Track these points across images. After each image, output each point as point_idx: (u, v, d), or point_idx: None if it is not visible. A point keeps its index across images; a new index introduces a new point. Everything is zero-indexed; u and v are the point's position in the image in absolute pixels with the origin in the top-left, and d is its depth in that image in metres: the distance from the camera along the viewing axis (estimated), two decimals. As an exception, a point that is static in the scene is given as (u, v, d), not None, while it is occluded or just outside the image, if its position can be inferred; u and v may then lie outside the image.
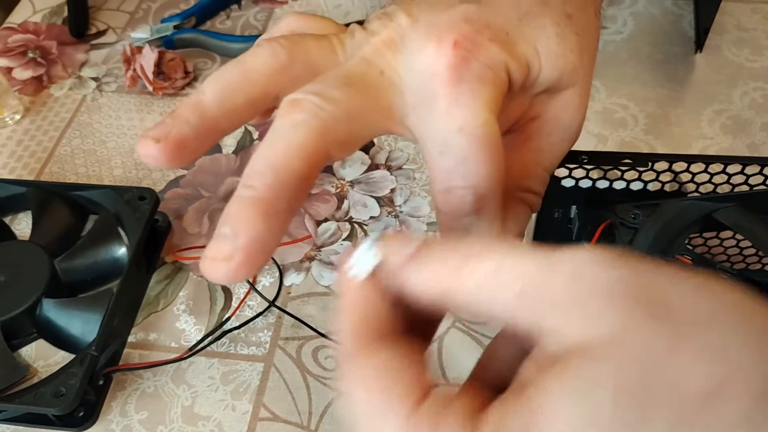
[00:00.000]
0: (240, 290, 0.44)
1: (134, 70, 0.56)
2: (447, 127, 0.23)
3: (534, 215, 0.40)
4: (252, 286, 0.44)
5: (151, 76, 0.55)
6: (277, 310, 0.43)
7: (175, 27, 0.60)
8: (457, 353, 0.40)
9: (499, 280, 0.18)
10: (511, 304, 0.18)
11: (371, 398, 0.18)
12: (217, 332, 0.42)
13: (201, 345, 0.41)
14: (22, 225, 0.49)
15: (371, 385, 0.18)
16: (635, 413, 0.15)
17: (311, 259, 0.45)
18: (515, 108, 0.27)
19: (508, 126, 0.28)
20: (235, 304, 0.43)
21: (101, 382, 0.40)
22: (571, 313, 0.17)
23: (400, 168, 0.50)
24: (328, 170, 0.50)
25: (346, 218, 0.48)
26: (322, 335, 0.42)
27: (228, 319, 0.43)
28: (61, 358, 0.41)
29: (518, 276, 0.18)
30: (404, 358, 0.19)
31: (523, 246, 0.18)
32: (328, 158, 0.23)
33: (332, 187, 0.49)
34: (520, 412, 0.16)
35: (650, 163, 0.36)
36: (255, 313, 0.43)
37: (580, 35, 0.26)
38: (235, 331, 0.42)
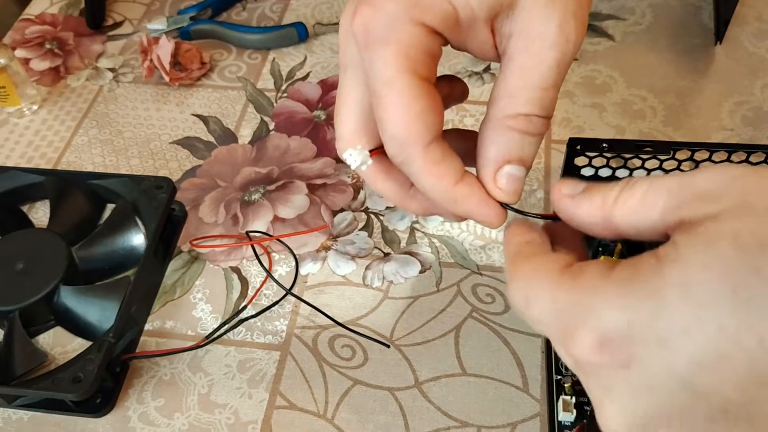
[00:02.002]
0: (256, 279, 0.44)
1: (151, 60, 0.56)
2: (370, 90, 0.26)
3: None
4: (269, 274, 0.44)
5: (167, 67, 0.55)
6: (293, 299, 0.43)
7: (191, 18, 0.60)
8: (475, 343, 0.40)
9: (645, 203, 0.22)
10: (656, 219, 0.22)
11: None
12: (234, 320, 0.42)
13: (217, 333, 0.41)
14: (39, 214, 0.49)
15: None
16: (751, 258, 0.18)
17: (327, 248, 0.45)
18: (481, 37, 0.27)
19: (493, 54, 0.27)
20: (251, 292, 0.43)
21: (118, 369, 0.40)
22: (700, 200, 0.20)
23: (416, 159, 0.50)
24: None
25: (362, 208, 0.48)
26: (339, 324, 0.41)
27: (244, 307, 0.43)
28: (78, 345, 0.42)
29: (662, 192, 0.22)
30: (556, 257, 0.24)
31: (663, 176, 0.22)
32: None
33: (348, 177, 0.49)
34: (650, 262, 0.20)
35: (672, 152, 0.36)
36: (271, 302, 0.43)
37: None
38: (252, 320, 0.42)
